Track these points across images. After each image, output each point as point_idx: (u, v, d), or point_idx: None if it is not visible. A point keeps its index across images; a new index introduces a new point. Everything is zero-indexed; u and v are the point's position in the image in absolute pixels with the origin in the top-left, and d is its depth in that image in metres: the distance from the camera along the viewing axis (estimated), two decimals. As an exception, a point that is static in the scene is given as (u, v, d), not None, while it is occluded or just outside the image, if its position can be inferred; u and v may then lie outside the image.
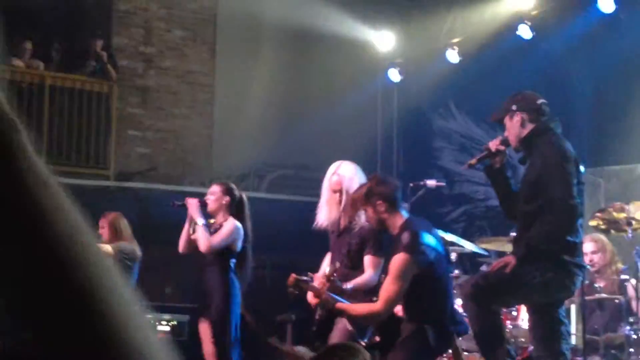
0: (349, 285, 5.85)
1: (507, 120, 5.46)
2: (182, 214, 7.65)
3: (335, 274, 5.78)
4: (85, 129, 11.33)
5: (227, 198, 7.54)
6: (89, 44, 11.65)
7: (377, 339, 5.67)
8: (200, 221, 7.38)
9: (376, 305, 5.40)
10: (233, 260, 7.47)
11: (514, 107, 5.44)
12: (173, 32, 12.33)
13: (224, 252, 7.42)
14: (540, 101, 5.46)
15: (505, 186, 5.55)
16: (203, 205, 7.52)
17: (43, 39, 11.64)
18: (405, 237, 5.39)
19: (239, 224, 7.47)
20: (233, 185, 7.81)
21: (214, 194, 7.55)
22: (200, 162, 12.14)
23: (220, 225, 7.52)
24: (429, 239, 5.47)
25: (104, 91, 11.60)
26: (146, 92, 12.04)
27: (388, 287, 5.36)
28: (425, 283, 5.42)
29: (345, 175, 6.17)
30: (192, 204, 7.47)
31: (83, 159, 11.24)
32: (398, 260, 5.35)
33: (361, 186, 5.80)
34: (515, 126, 5.42)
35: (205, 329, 7.44)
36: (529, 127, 5.39)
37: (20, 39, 11.38)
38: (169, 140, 12.06)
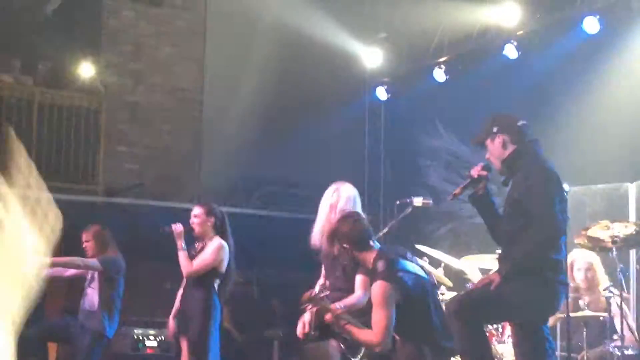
0: (338, 305, 5.87)
1: (488, 142, 5.50)
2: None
3: (324, 292, 5.81)
4: (74, 144, 11.35)
5: (212, 219, 7.58)
6: (79, 60, 11.71)
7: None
8: (180, 247, 7.46)
9: (373, 337, 5.44)
10: (217, 281, 7.49)
11: (495, 129, 5.47)
12: (162, 49, 12.39)
13: (208, 274, 7.44)
14: (520, 122, 5.50)
15: (491, 211, 5.58)
16: (190, 230, 7.57)
17: (32, 55, 11.67)
18: (380, 265, 5.44)
19: (224, 243, 7.49)
20: (214, 205, 7.85)
21: (198, 217, 7.58)
22: (188, 178, 12.17)
23: (205, 247, 7.55)
24: (405, 265, 5.52)
25: (93, 107, 11.64)
26: (135, 108, 12.08)
27: (376, 318, 5.41)
28: (412, 307, 5.47)
29: (345, 196, 6.22)
30: (175, 230, 7.53)
31: (72, 175, 11.26)
32: (376, 288, 5.40)
33: (331, 225, 5.86)
34: (497, 148, 5.46)
35: (185, 347, 7.47)
36: (511, 148, 5.43)
37: (10, 55, 11.42)
38: (157, 156, 12.09)
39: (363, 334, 5.52)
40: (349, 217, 5.79)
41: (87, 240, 8.41)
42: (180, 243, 7.47)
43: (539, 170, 5.28)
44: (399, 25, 11.42)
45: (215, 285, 7.48)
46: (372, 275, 5.54)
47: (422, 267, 5.76)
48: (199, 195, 10.86)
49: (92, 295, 8.36)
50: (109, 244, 8.50)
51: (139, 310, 9.74)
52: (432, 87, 10.95)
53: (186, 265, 7.40)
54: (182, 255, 7.43)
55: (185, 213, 7.85)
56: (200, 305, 7.37)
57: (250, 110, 12.08)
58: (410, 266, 5.57)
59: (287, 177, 12.37)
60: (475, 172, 5.56)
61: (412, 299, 5.48)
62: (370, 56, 11.78)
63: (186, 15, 12.55)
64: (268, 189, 12.49)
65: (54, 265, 8.28)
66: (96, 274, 8.36)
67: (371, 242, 5.66)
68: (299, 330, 6.05)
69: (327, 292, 5.86)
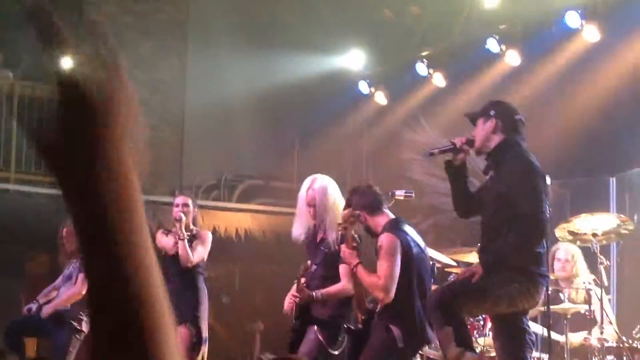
0: (319, 292, 5.92)
1: (480, 121, 5.51)
2: (151, 224, 7.70)
3: (307, 271, 5.89)
4: (55, 138, 11.28)
5: (196, 210, 7.69)
6: (60, 54, 11.63)
7: (360, 326, 5.78)
8: (182, 237, 7.46)
9: (378, 281, 5.54)
10: (201, 268, 7.60)
11: (492, 112, 5.48)
12: (144, 43, 12.33)
13: (198, 262, 7.55)
14: (518, 117, 5.51)
15: (462, 184, 5.63)
16: (178, 220, 7.58)
17: (13, 49, 11.59)
18: (388, 224, 5.60)
19: (210, 233, 7.64)
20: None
21: (188, 207, 7.62)
22: (170, 172, 12.13)
23: (193, 236, 7.60)
24: (411, 232, 5.64)
25: (75, 100, 11.57)
26: (117, 102, 12.01)
27: (381, 267, 5.52)
28: (406, 277, 5.54)
29: (319, 190, 6.26)
30: (180, 218, 7.55)
31: (53, 169, 11.18)
32: (383, 240, 5.55)
33: (346, 201, 5.97)
34: (486, 130, 5.46)
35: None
36: (499, 136, 5.43)
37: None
38: (139, 150, 12.02)
39: (371, 278, 5.61)
40: (360, 186, 5.95)
41: (68, 238, 8.36)
42: (182, 233, 7.48)
43: (525, 166, 5.29)
44: (381, 21, 11.39)
45: (203, 272, 7.57)
46: (379, 234, 5.70)
47: (425, 247, 5.88)
48: (181, 189, 10.83)
49: (68, 291, 8.32)
50: None
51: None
52: (415, 81, 10.95)
53: (187, 257, 7.42)
54: (183, 245, 7.45)
55: (167, 207, 7.85)
56: (193, 292, 7.44)
57: (232, 104, 12.05)
58: (416, 236, 5.70)
59: (269, 171, 12.36)
60: (458, 141, 5.58)
61: (410, 267, 5.57)
62: (354, 58, 11.68)
63: (168, 9, 12.50)
64: (250, 182, 12.48)
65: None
66: (74, 271, 8.34)
67: (384, 208, 5.80)
68: (287, 303, 6.12)
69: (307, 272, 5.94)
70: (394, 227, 5.68)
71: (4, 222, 9.89)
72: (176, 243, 7.50)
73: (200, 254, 7.51)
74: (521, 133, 5.49)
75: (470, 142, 5.56)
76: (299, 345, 6.02)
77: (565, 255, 7.50)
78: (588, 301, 7.03)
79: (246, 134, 12.23)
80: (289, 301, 6.18)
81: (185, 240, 7.47)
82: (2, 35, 11.57)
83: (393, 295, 5.55)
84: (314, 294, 5.95)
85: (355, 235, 5.86)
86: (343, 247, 5.82)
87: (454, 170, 5.65)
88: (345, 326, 5.92)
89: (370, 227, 5.83)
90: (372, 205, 5.81)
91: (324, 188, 6.26)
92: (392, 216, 5.86)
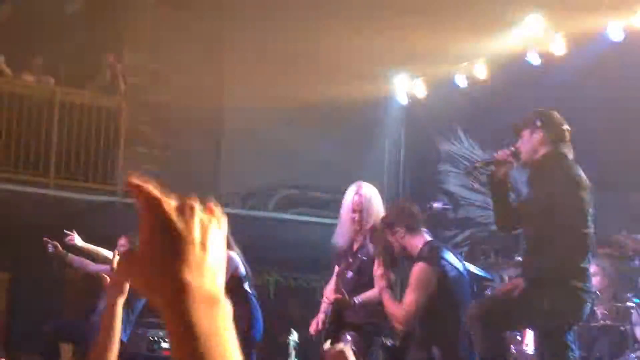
0: (357, 299, 5.89)
1: (526, 133, 5.36)
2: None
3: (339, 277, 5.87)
4: (94, 144, 11.36)
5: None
6: (101, 58, 11.71)
7: (397, 344, 5.73)
8: None
9: (399, 313, 5.49)
10: (247, 285, 7.40)
11: (538, 123, 5.34)
12: (182, 50, 12.37)
13: (229, 285, 7.36)
14: (565, 127, 5.39)
15: (504, 198, 5.50)
16: None
17: (54, 55, 11.69)
18: (425, 249, 5.52)
19: (228, 254, 7.42)
20: None
21: None
22: (206, 180, 12.15)
23: None
24: (450, 257, 5.55)
25: (113, 107, 11.64)
26: (155, 109, 12.07)
27: (407, 297, 5.46)
28: (444, 301, 5.46)
29: (366, 195, 6.24)
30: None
31: (91, 175, 11.27)
32: (416, 269, 5.45)
33: (383, 217, 5.92)
34: (533, 142, 5.32)
35: None
36: (546, 147, 5.31)
37: (31, 54, 11.44)
38: (176, 157, 12.07)
39: (393, 307, 5.55)
40: (400, 203, 5.91)
41: (123, 246, 8.31)
42: None
43: (572, 178, 5.16)
44: (421, 29, 11.31)
45: (248, 289, 7.35)
46: (415, 260, 5.60)
47: (467, 269, 5.79)
48: (218, 198, 10.83)
49: None
50: None
51: (155, 311, 9.72)
52: (454, 92, 10.88)
53: None
54: None
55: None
56: (241, 311, 7.32)
57: (269, 112, 12.05)
58: (455, 261, 5.60)
59: (307, 180, 12.34)
60: (503, 154, 5.43)
61: (448, 292, 5.48)
62: (398, 79, 11.60)
63: (207, 17, 12.53)
64: (287, 192, 12.45)
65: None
66: None
67: (422, 228, 5.72)
68: (312, 327, 6.08)
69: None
70: (431, 255, 5.56)
71: (42, 226, 9.94)
72: None
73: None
74: (568, 144, 5.37)
75: (515, 155, 5.42)
76: (339, 333, 5.98)
77: (596, 269, 7.34)
78: (628, 318, 6.92)
79: (283, 142, 12.22)
80: (319, 318, 6.14)
81: None
82: (42, 40, 11.67)
83: (410, 326, 5.53)
84: (354, 300, 5.90)
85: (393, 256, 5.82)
86: (376, 265, 5.77)
87: (496, 184, 5.53)
88: (381, 342, 5.85)
89: (407, 247, 5.73)
90: (411, 224, 5.72)
91: (371, 194, 6.24)
92: (429, 238, 5.74)
